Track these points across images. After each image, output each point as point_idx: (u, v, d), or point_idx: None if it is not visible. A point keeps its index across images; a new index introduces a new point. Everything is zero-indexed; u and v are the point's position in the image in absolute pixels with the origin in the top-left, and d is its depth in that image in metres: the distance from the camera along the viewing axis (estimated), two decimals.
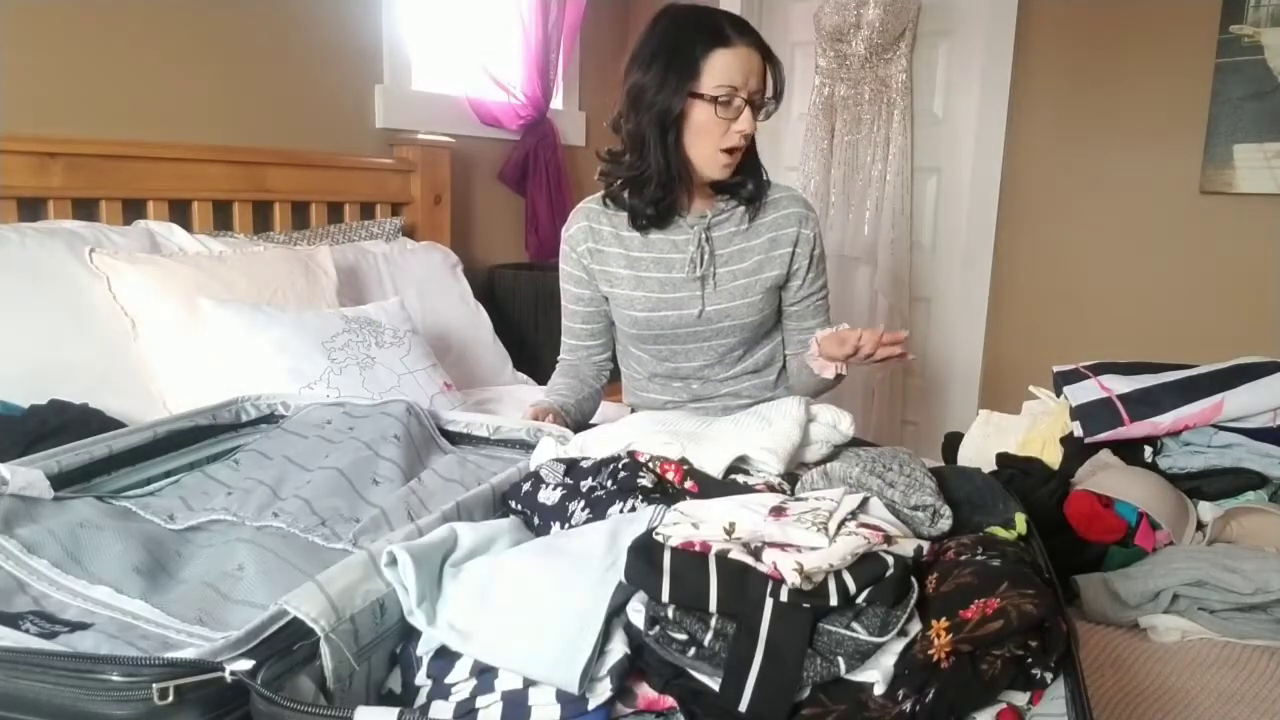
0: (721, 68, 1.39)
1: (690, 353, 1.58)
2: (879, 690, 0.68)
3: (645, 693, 0.70)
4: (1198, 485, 1.33)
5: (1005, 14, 2.65)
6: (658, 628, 0.70)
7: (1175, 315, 2.53)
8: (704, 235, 1.50)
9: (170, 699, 0.57)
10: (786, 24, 3.10)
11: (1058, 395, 1.56)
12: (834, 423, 1.17)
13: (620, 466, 0.96)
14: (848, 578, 0.69)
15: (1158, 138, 2.50)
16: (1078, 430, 1.44)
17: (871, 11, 2.80)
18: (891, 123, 2.89)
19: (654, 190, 1.47)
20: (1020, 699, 0.69)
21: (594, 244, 1.54)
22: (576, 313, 1.62)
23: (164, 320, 1.68)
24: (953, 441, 1.69)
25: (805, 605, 0.68)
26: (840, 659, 0.67)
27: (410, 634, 0.75)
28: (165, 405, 1.63)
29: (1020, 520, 0.93)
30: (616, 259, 1.54)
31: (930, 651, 0.68)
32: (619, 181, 1.51)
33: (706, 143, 1.42)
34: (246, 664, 0.60)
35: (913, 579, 0.73)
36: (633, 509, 0.89)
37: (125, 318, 1.68)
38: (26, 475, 0.95)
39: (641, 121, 1.43)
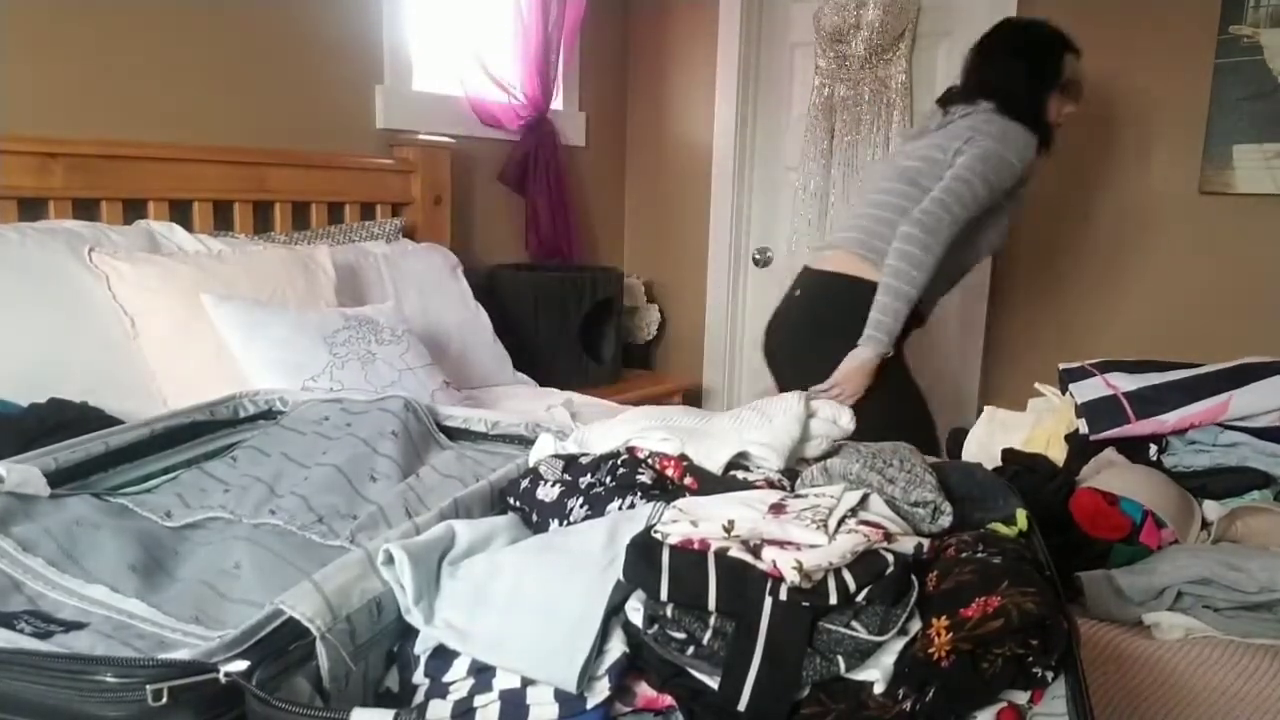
0: None
1: None
2: (879, 689, 0.67)
3: (644, 691, 0.70)
4: (1203, 484, 1.32)
5: (1005, 14, 2.64)
6: (656, 626, 0.69)
7: (1175, 316, 2.52)
8: None
9: (164, 700, 0.57)
10: (786, 24, 3.10)
11: (1063, 393, 1.56)
12: (834, 418, 1.16)
13: (619, 463, 0.96)
14: (847, 576, 0.69)
15: (1157, 138, 2.49)
16: (1083, 428, 1.43)
17: (871, 12, 2.80)
18: (891, 123, 2.88)
19: None
20: (1021, 698, 0.69)
21: None
22: None
23: (164, 320, 1.68)
24: (958, 437, 1.69)
25: (805, 604, 0.67)
26: (840, 658, 0.67)
27: (408, 632, 0.74)
28: (165, 404, 1.63)
29: (1021, 516, 0.93)
30: None
31: (930, 650, 0.67)
32: None
33: None
34: (241, 665, 0.60)
35: (913, 577, 0.73)
36: (631, 505, 0.88)
37: (125, 317, 1.68)
38: (23, 472, 0.95)
39: None
